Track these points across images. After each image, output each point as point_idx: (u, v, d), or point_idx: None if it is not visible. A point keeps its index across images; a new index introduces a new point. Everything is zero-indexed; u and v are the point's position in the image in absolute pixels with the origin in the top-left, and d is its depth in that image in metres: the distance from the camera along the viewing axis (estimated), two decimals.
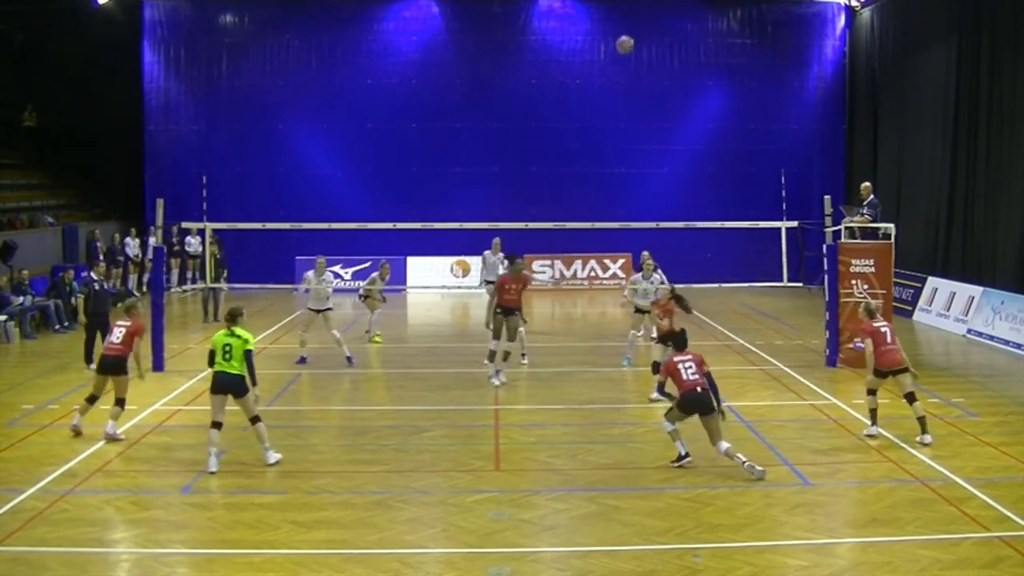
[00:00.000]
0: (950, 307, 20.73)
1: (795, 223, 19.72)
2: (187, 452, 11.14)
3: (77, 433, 11.80)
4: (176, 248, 26.61)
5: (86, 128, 29.68)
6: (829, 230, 16.71)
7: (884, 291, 16.19)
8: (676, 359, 10.74)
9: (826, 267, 16.45)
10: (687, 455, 10.58)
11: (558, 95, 28.35)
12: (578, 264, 28.54)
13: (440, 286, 27.01)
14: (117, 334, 12.01)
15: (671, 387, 10.77)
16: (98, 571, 8.08)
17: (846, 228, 17.13)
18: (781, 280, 18.52)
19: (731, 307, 23.67)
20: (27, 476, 10.25)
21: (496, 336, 15.00)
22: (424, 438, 12.05)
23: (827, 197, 17.09)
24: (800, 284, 23.80)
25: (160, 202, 17.19)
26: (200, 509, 9.52)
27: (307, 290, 17.18)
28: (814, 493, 9.86)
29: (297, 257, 26.09)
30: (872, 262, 16.39)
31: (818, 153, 28.84)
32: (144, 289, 25.47)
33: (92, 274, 16.74)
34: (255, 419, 10.77)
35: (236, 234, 25.80)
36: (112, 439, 11.61)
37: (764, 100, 28.60)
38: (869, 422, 11.85)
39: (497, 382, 14.88)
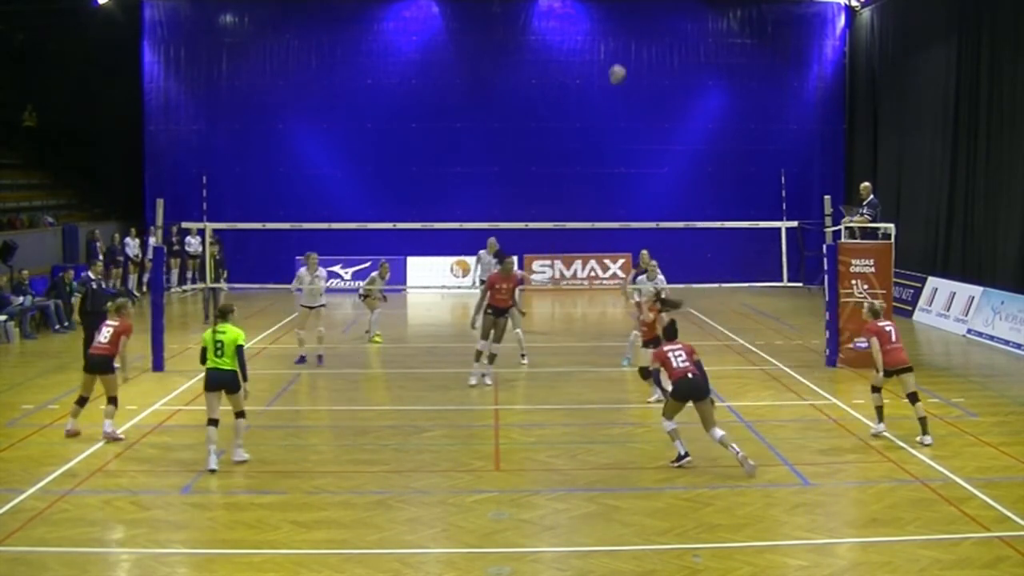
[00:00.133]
0: (950, 307, 20.73)
1: (795, 223, 19.69)
2: (187, 452, 11.14)
3: (74, 435, 11.79)
4: (176, 248, 26.61)
5: (86, 128, 29.68)
6: (829, 230, 16.71)
7: (884, 291, 16.18)
8: (666, 348, 10.87)
9: (826, 267, 16.45)
10: (687, 455, 10.59)
11: (558, 95, 28.35)
12: (578, 264, 28.54)
13: (440, 286, 27.01)
14: (105, 333, 12.00)
15: (664, 380, 10.81)
16: (98, 571, 8.09)
17: (846, 228, 17.12)
18: (781, 280, 18.51)
19: (731, 307, 23.68)
20: (27, 476, 10.25)
21: (484, 336, 14.87)
22: (424, 438, 12.05)
23: (827, 197, 17.09)
24: (800, 284, 23.79)
25: (160, 202, 17.19)
26: (200, 509, 9.52)
27: (299, 289, 17.13)
28: (814, 493, 9.86)
29: (297, 257, 25.99)
30: (872, 262, 16.39)
31: (818, 153, 28.84)
32: (144, 289, 25.47)
33: (89, 273, 16.75)
34: (240, 414, 10.80)
35: (236, 234, 25.80)
36: (112, 438, 11.61)
37: (764, 100, 28.60)
38: (876, 420, 11.80)
39: (474, 381, 14.80)
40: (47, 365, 16.73)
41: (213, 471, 10.37)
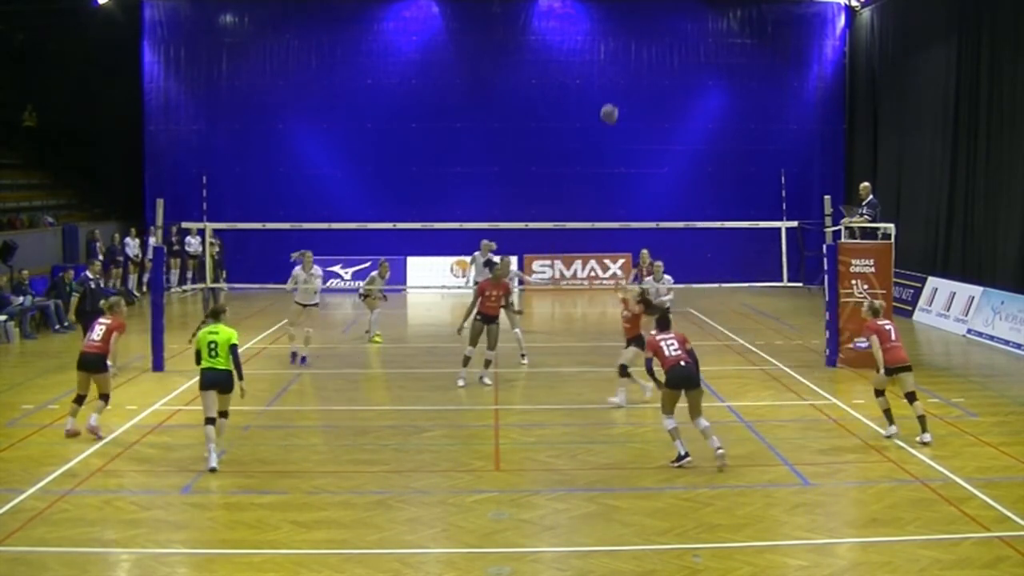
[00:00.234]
0: (950, 307, 20.73)
1: (795, 223, 19.69)
2: (187, 452, 11.13)
3: (74, 435, 11.79)
4: (176, 248, 26.61)
5: (86, 128, 29.68)
6: (829, 230, 16.71)
7: (884, 291, 16.17)
8: (659, 337, 10.94)
9: (826, 267, 16.45)
10: (687, 455, 10.59)
11: (558, 95, 28.34)
12: (578, 264, 28.54)
13: (440, 286, 27.01)
14: (98, 331, 12.02)
15: (658, 371, 10.88)
16: (98, 571, 8.09)
17: (846, 228, 17.13)
18: (781, 280, 18.51)
19: (731, 307, 23.68)
20: (27, 476, 10.24)
21: (472, 343, 14.78)
22: (424, 438, 12.05)
23: (827, 197, 17.09)
24: (800, 284, 23.78)
25: (160, 202, 17.18)
26: (200, 509, 9.52)
27: (295, 288, 17.13)
28: (814, 493, 9.86)
29: (292, 254, 26.05)
30: (872, 262, 16.39)
31: (818, 153, 28.84)
32: (144, 289, 25.47)
33: (88, 273, 16.77)
34: (223, 414, 10.84)
35: (236, 234, 25.79)
36: (93, 432, 11.65)
37: (764, 100, 28.60)
38: (887, 424, 11.74)
39: (462, 383, 14.76)
40: (47, 365, 16.72)
41: (214, 470, 10.38)
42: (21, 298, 19.89)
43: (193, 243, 26.82)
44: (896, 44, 25.87)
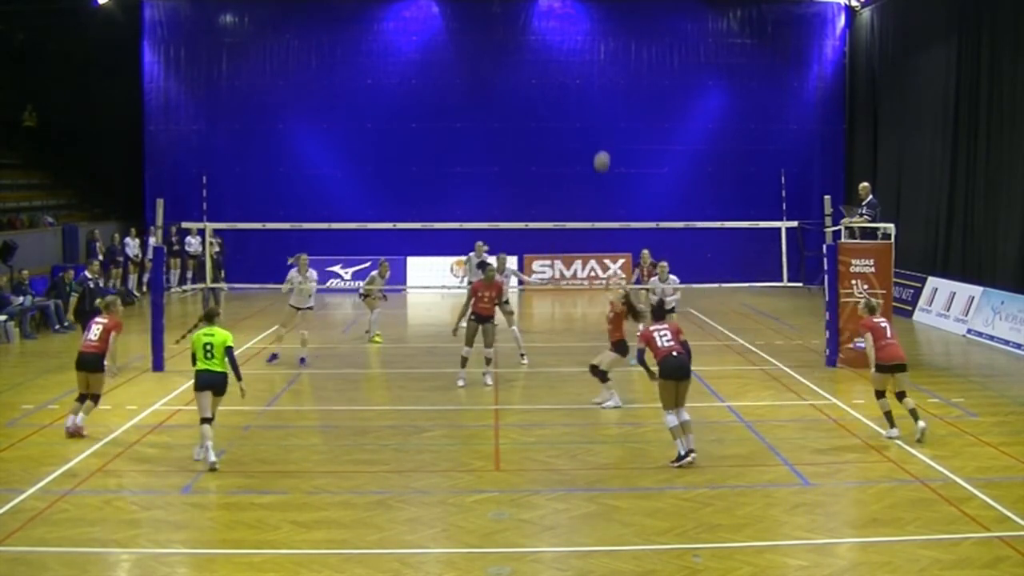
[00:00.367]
0: (950, 307, 20.73)
1: (795, 223, 19.69)
2: (187, 452, 11.12)
3: (79, 435, 11.78)
4: (176, 248, 26.61)
5: (86, 128, 29.65)
6: (829, 230, 16.71)
7: (884, 291, 16.17)
8: (653, 328, 11.06)
9: (826, 267, 16.45)
10: (687, 454, 10.58)
11: (558, 95, 28.36)
12: (578, 264, 28.55)
13: (440, 286, 27.01)
14: (95, 331, 12.02)
15: (651, 361, 11.00)
16: (98, 571, 8.09)
17: (846, 228, 17.13)
18: (781, 280, 18.50)
19: (731, 307, 23.68)
20: (27, 476, 10.24)
21: (468, 343, 14.89)
22: (424, 438, 12.05)
23: (827, 197, 17.09)
24: (800, 284, 23.79)
25: (160, 202, 17.18)
26: (200, 509, 9.53)
27: (291, 289, 17.12)
28: (814, 493, 9.87)
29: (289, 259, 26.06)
30: (872, 262, 16.40)
31: (818, 153, 28.85)
32: (144, 289, 25.46)
33: (86, 273, 16.77)
34: (210, 418, 10.78)
35: (236, 234, 25.80)
36: (75, 431, 11.66)
37: (764, 100, 28.61)
38: (888, 426, 11.70)
39: (462, 383, 14.80)
40: (47, 365, 16.72)
41: (214, 468, 10.38)
42: (21, 298, 19.87)
43: (193, 243, 26.81)
44: (896, 44, 25.87)
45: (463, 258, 20.30)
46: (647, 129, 28.37)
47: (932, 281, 21.96)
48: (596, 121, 28.23)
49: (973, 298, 19.95)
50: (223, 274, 21.83)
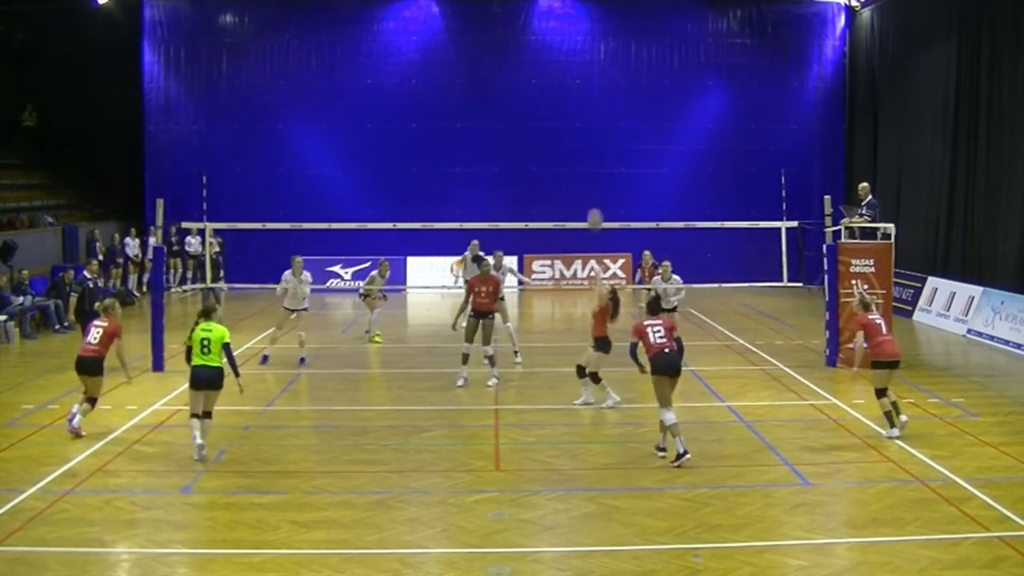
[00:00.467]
0: (950, 307, 20.73)
1: (795, 223, 19.72)
2: (187, 452, 11.10)
3: (78, 435, 11.80)
4: (176, 248, 26.61)
5: (86, 128, 29.65)
6: (829, 230, 16.71)
7: (884, 291, 16.17)
8: (646, 322, 11.09)
9: (826, 267, 16.46)
10: (686, 452, 10.60)
11: (558, 95, 28.36)
12: (578, 264, 28.54)
13: (440, 286, 26.99)
14: (94, 334, 12.04)
15: (643, 356, 11.05)
16: (98, 571, 8.09)
17: (846, 228, 17.13)
18: (781, 280, 18.53)
19: (731, 307, 23.68)
20: (27, 476, 10.25)
21: (468, 339, 14.97)
22: (424, 438, 12.05)
23: (827, 197, 17.10)
24: (800, 284, 23.80)
25: (160, 202, 17.18)
26: (200, 509, 9.53)
27: (285, 291, 17.12)
28: (814, 493, 9.87)
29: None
30: (872, 262, 16.39)
31: (818, 153, 28.84)
32: (144, 289, 25.46)
33: (86, 273, 16.77)
34: (207, 414, 10.91)
35: (236, 234, 25.80)
36: (74, 431, 11.65)
37: (764, 100, 28.61)
38: (888, 426, 11.70)
39: (462, 382, 14.85)
40: (47, 365, 16.72)
41: (202, 455, 10.55)
42: (21, 298, 19.88)
43: (193, 243, 26.81)
44: (896, 44, 25.87)
45: (460, 258, 20.44)
46: (647, 129, 28.38)
47: (932, 281, 21.95)
48: (596, 121, 28.25)
49: (973, 298, 19.94)
50: (222, 274, 21.80)
